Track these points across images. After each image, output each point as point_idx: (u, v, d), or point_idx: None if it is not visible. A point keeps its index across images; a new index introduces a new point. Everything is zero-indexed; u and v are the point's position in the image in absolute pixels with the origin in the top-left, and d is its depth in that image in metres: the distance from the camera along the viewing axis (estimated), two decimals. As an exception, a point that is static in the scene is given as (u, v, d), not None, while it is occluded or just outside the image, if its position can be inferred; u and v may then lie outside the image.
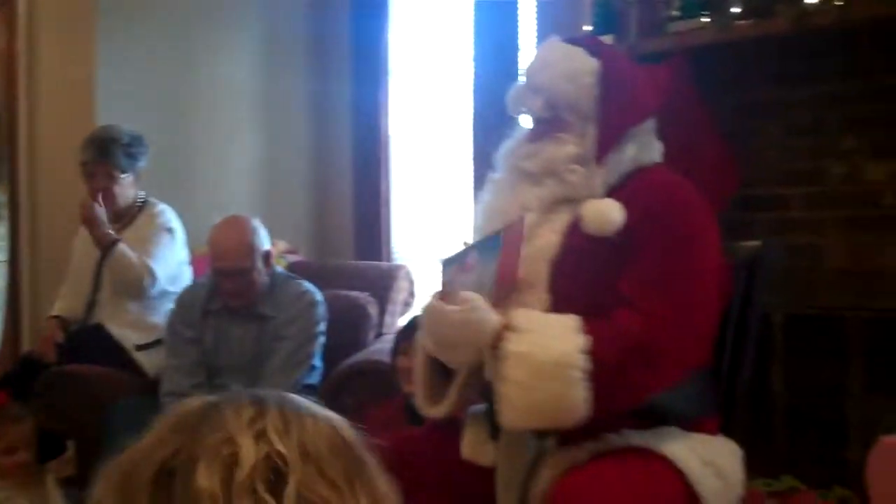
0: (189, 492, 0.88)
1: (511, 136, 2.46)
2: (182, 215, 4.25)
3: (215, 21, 4.94)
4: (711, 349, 2.29)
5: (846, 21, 3.05)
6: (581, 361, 2.00)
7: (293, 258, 4.55)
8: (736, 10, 3.33)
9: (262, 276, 3.63)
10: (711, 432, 2.29)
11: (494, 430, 2.25)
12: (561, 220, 2.27)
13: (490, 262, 2.19)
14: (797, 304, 3.34)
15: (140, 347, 3.95)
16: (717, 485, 2.16)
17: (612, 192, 2.25)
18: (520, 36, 4.36)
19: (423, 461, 2.39)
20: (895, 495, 1.39)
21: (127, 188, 4.11)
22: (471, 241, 2.37)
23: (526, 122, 2.47)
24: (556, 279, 2.22)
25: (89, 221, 3.97)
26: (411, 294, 4.44)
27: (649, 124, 2.37)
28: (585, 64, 2.31)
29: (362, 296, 4.17)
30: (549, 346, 2.02)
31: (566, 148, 2.28)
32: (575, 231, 2.23)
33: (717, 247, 2.25)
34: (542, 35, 4.24)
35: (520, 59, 4.33)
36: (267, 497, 0.88)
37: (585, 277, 2.20)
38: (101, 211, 3.97)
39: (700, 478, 2.13)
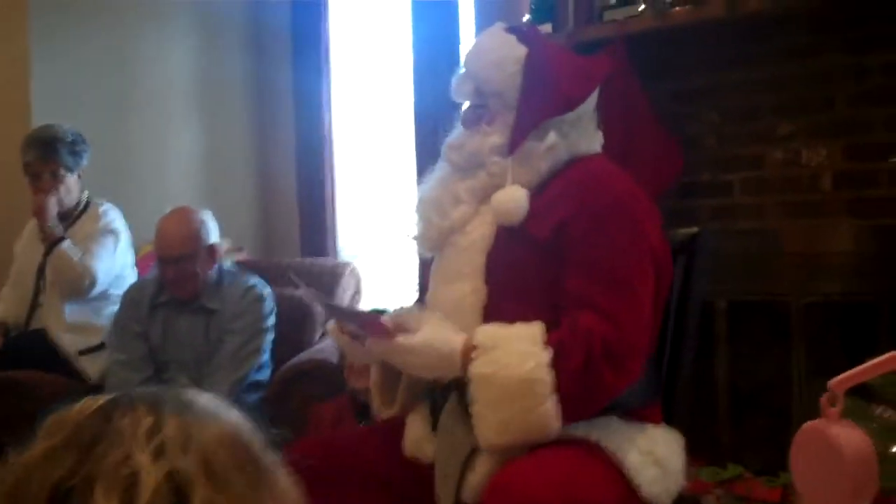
0: None
1: (454, 125, 2.45)
2: (123, 214, 4.19)
3: (150, 13, 4.88)
4: (655, 337, 2.30)
5: (780, 5, 3.06)
6: (547, 376, 2.00)
7: (238, 256, 4.51)
8: (671, -4, 3.34)
9: (205, 267, 3.61)
10: (653, 422, 2.29)
11: (434, 423, 2.27)
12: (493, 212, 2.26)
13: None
14: (739, 290, 3.35)
15: (83, 352, 3.90)
16: (655, 474, 2.16)
17: (546, 182, 2.24)
18: (459, 26, 4.33)
19: (368, 458, 2.36)
20: (817, 479, 1.39)
21: (72, 187, 4.06)
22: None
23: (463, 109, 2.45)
24: (491, 270, 2.22)
25: (40, 213, 3.93)
26: (358, 291, 4.42)
27: (587, 113, 2.35)
28: (514, 52, 2.29)
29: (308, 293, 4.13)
30: (514, 365, 2.02)
31: (490, 139, 2.27)
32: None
33: (660, 236, 2.25)
34: (482, 25, 4.23)
35: (460, 50, 4.30)
36: None
37: (519, 268, 2.20)
38: (52, 203, 3.93)
39: (638, 467, 2.12)
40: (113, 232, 4.06)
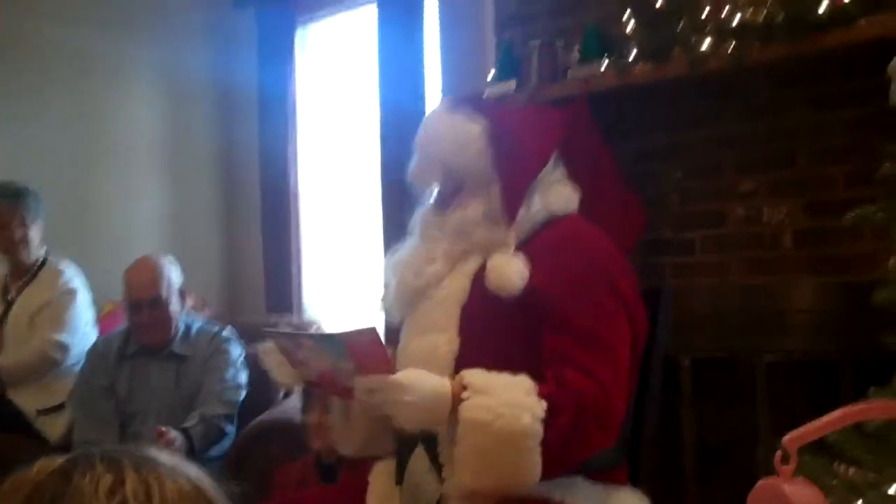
0: None
1: (421, 203, 2.45)
2: (85, 273, 4.18)
3: (116, 71, 4.90)
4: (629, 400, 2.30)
5: (741, 64, 3.09)
6: (539, 431, 1.98)
7: (202, 313, 4.48)
8: (633, 54, 3.37)
9: (177, 310, 3.66)
10: (619, 482, 2.28)
11: (399, 477, 2.26)
12: (470, 266, 2.27)
13: (339, 359, 2.13)
14: (703, 347, 3.36)
15: (42, 412, 3.86)
16: (620, 537, 2.15)
17: (524, 243, 2.25)
18: (426, 86, 4.36)
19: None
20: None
21: (35, 240, 4.07)
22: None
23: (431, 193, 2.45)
24: (465, 323, 2.22)
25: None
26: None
27: (557, 172, 2.37)
28: (471, 129, 2.30)
29: (272, 351, 4.11)
30: (509, 416, 1.98)
31: (470, 212, 2.28)
32: (483, 277, 2.23)
33: (635, 295, 2.25)
34: (448, 84, 4.27)
35: (426, 107, 4.33)
36: None
37: (494, 323, 2.20)
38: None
39: None
40: (71, 292, 4.04)
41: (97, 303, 4.36)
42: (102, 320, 4.40)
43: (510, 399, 2.00)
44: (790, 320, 3.20)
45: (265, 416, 3.79)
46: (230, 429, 3.66)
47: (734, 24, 3.09)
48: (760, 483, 1.43)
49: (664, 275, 3.57)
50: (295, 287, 4.97)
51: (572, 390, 2.03)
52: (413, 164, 2.40)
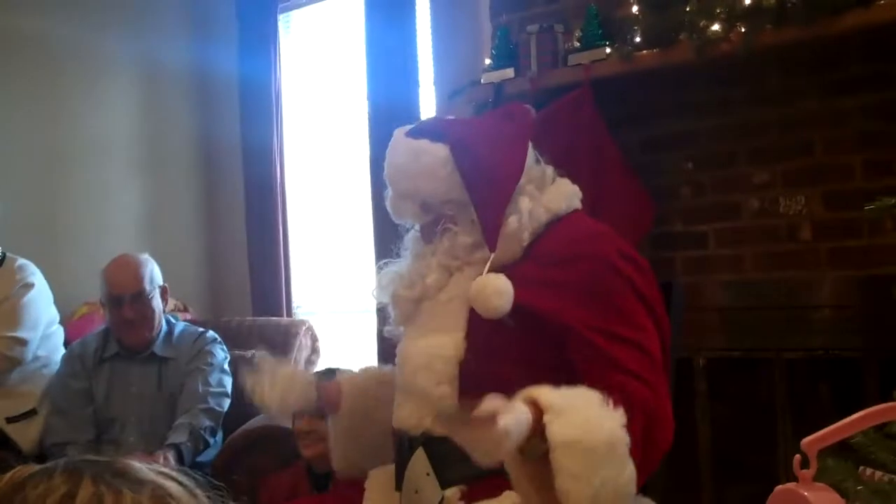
0: None
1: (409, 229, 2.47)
2: (59, 276, 4.18)
3: (89, 61, 4.88)
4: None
5: (752, 49, 3.10)
6: (626, 437, 1.94)
7: (183, 317, 4.50)
8: (638, 39, 3.38)
9: (160, 308, 3.73)
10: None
11: (399, 480, 2.29)
12: (475, 269, 2.28)
13: None
14: (719, 346, 3.38)
15: (12, 420, 3.86)
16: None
17: (528, 249, 2.27)
18: (418, 75, 4.36)
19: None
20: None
21: None
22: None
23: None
24: (474, 325, 2.24)
25: None
26: (314, 351, 4.41)
27: (548, 170, 2.38)
28: (436, 154, 2.30)
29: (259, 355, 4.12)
30: (595, 427, 1.92)
31: (460, 239, 2.30)
32: None
33: (656, 293, 2.26)
34: (440, 74, 4.28)
35: (418, 97, 4.34)
36: None
37: (501, 328, 2.20)
38: None
39: None
40: (27, 286, 4.03)
41: (71, 305, 4.36)
42: (77, 323, 4.40)
43: (591, 411, 1.94)
44: (810, 317, 3.21)
45: (252, 423, 3.80)
46: (217, 437, 3.70)
47: (745, 6, 3.10)
48: (778, 489, 1.44)
49: (675, 270, 3.57)
50: (283, 286, 4.96)
51: (636, 398, 2.02)
52: (388, 200, 2.41)
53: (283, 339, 4.29)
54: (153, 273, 3.74)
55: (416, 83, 4.36)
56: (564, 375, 2.04)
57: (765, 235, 3.42)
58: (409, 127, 2.40)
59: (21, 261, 4.10)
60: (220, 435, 3.73)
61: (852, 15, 2.92)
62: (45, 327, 4.03)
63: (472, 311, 2.24)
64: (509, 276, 2.19)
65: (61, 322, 4.16)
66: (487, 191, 2.27)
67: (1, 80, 4.61)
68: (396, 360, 2.37)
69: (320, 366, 4.18)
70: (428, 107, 4.34)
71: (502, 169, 2.28)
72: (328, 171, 5.04)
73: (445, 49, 4.30)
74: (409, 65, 4.37)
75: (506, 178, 2.28)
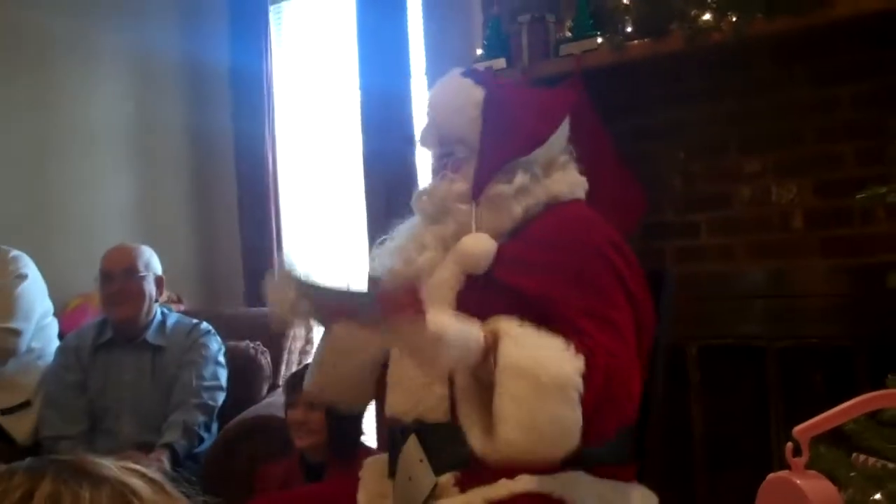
0: None
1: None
2: (51, 268, 4.18)
3: (79, 51, 4.87)
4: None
5: (743, 37, 3.11)
6: (580, 383, 1.95)
7: (176, 308, 4.49)
8: (629, 29, 3.39)
9: (153, 293, 3.77)
10: (625, 479, 2.30)
11: (392, 468, 2.31)
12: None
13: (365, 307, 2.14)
14: (711, 335, 3.39)
15: (6, 412, 3.86)
16: (626, 535, 2.17)
17: (521, 227, 2.28)
18: (410, 64, 4.36)
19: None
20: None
21: None
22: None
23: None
24: (459, 311, 2.23)
25: None
26: (308, 342, 4.41)
27: (559, 154, 2.40)
28: (473, 96, 2.35)
29: (254, 346, 4.13)
30: (552, 364, 1.95)
31: (455, 186, 2.32)
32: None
33: (642, 285, 2.27)
34: (432, 63, 4.27)
35: (410, 88, 4.34)
36: None
37: (487, 311, 2.21)
38: None
39: None
40: (21, 276, 4.04)
41: (64, 297, 4.36)
42: (70, 315, 4.41)
43: (549, 349, 1.97)
44: (801, 305, 3.22)
45: (247, 414, 3.80)
46: (212, 430, 3.71)
47: (736, -5, 3.11)
48: (771, 477, 1.44)
49: (667, 260, 3.59)
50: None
51: (600, 354, 2.03)
52: (422, 127, 2.48)
53: (276, 330, 4.29)
54: (150, 260, 3.79)
55: (407, 73, 4.36)
56: None
57: (756, 225, 3.43)
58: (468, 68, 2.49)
59: (15, 252, 4.10)
60: (214, 426, 3.74)
61: (843, 3, 2.93)
62: (39, 318, 4.03)
63: (457, 297, 2.26)
64: (498, 253, 2.23)
65: (55, 314, 4.16)
66: (495, 144, 2.30)
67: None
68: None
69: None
70: (420, 96, 4.33)
71: (519, 134, 2.32)
72: (321, 162, 5.04)
73: (437, 39, 4.30)
74: (401, 55, 4.37)
75: (517, 143, 2.32)
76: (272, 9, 5.07)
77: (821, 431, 1.43)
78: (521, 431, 1.92)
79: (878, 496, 1.74)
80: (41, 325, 4.05)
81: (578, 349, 2.00)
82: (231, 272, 5.09)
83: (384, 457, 2.42)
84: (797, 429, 1.43)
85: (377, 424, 3.46)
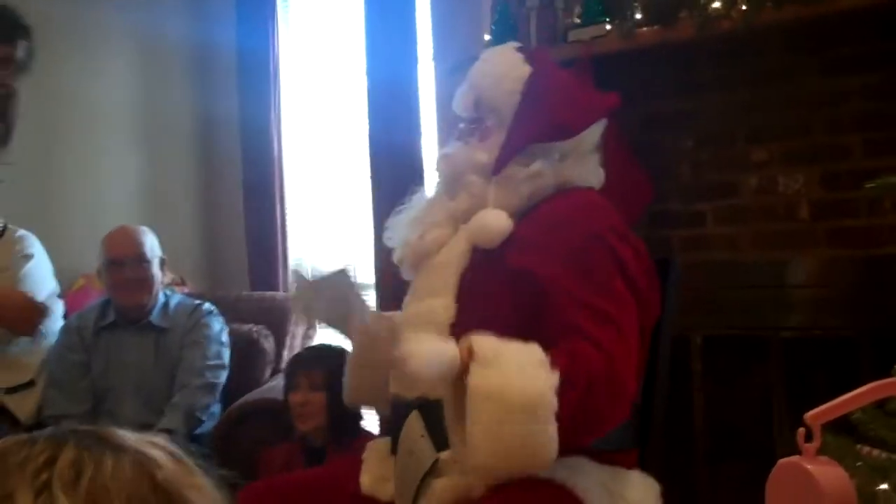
0: None
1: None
2: (56, 249, 4.17)
3: (85, 34, 4.85)
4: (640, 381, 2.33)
5: (753, 26, 3.09)
6: (553, 400, 1.97)
7: (179, 290, 4.49)
8: (638, 16, 3.37)
9: (159, 277, 3.79)
10: (627, 466, 2.30)
11: (395, 446, 2.31)
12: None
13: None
14: (715, 324, 3.38)
15: (10, 391, 3.86)
16: (626, 520, 2.17)
17: (530, 209, 2.29)
18: (417, 47, 4.35)
19: (323, 497, 2.41)
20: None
21: None
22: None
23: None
24: (462, 289, 2.28)
25: None
26: (312, 326, 4.41)
27: (586, 145, 2.41)
28: (518, 70, 2.38)
29: (256, 329, 4.13)
30: (520, 385, 1.97)
31: (477, 155, 2.34)
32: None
33: (644, 273, 2.27)
34: (439, 46, 4.26)
35: (417, 71, 4.32)
36: None
37: (490, 290, 2.24)
38: None
39: None
40: (27, 256, 4.04)
41: (68, 278, 4.35)
42: (74, 295, 4.40)
43: (520, 365, 1.99)
44: (806, 295, 3.22)
45: (249, 397, 3.81)
46: (215, 409, 3.74)
47: (746, -17, 3.10)
48: (781, 462, 1.43)
49: (672, 248, 3.58)
50: (280, 260, 4.94)
51: (583, 363, 2.04)
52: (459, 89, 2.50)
53: (280, 314, 4.30)
54: (153, 243, 3.80)
55: (415, 58, 4.35)
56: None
57: (763, 214, 3.42)
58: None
59: (21, 231, 4.10)
60: (218, 407, 3.74)
61: (854, -8, 2.92)
62: (45, 298, 4.03)
63: (461, 277, 2.29)
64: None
65: (60, 295, 4.16)
66: (525, 124, 2.31)
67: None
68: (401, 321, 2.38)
69: (317, 341, 4.19)
70: (427, 82, 4.32)
71: (551, 121, 2.32)
72: (326, 146, 5.03)
73: (445, 24, 4.28)
74: (409, 39, 4.36)
75: (546, 129, 2.33)
76: (280, -11, 5.06)
77: (833, 417, 1.43)
78: (492, 457, 1.98)
79: (884, 486, 1.73)
80: (46, 304, 4.05)
81: (562, 360, 2.02)
82: (235, 255, 5.08)
83: (387, 440, 2.44)
84: (810, 414, 1.42)
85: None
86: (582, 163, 2.39)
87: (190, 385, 3.64)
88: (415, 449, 2.22)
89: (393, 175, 4.26)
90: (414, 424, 2.24)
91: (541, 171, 2.30)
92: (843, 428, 1.81)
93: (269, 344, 4.10)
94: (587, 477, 2.18)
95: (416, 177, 4.11)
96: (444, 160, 2.44)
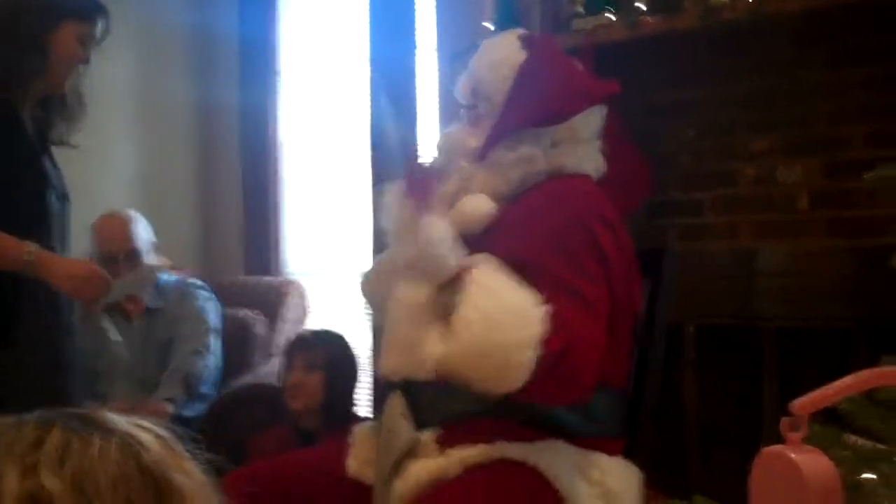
0: None
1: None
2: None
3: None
4: (626, 369, 2.34)
5: (757, 16, 3.09)
6: (540, 331, 2.00)
7: (176, 275, 4.49)
8: (642, 5, 3.36)
9: (153, 262, 3.85)
10: (610, 453, 2.30)
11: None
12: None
13: None
14: (709, 314, 3.38)
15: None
16: (600, 506, 2.18)
17: (520, 194, 2.29)
18: (418, 36, 4.34)
19: (310, 480, 2.43)
20: (775, 504, 1.40)
21: None
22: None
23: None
24: None
25: None
26: (304, 311, 4.41)
27: (585, 131, 2.41)
28: (513, 56, 2.38)
29: (250, 314, 4.14)
30: (515, 297, 2.03)
31: (468, 140, 2.34)
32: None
33: (625, 264, 2.27)
34: (442, 34, 4.25)
35: (418, 60, 4.32)
36: None
37: None
38: None
39: (582, 497, 2.14)
40: None
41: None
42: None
43: (518, 291, 2.05)
44: (803, 285, 3.21)
45: (241, 381, 3.82)
46: (207, 390, 3.71)
47: (751, -28, 3.09)
48: (765, 451, 1.42)
49: (670, 237, 3.57)
50: (275, 246, 4.95)
51: (561, 323, 2.04)
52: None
53: (274, 299, 4.31)
54: (144, 231, 3.84)
55: (415, 44, 4.34)
56: None
57: (761, 204, 3.42)
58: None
59: None
60: (210, 388, 3.74)
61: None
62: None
63: None
64: (496, 217, 2.28)
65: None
66: (514, 110, 2.32)
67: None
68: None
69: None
70: (429, 69, 4.31)
71: (541, 106, 2.33)
72: (325, 134, 5.02)
73: (447, 12, 4.27)
74: (411, 27, 4.35)
75: (536, 114, 2.33)
76: (282, -24, 5.06)
77: (820, 407, 1.42)
78: (475, 339, 2.00)
79: (870, 475, 1.73)
80: None
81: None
82: (232, 242, 5.09)
83: (376, 424, 2.44)
84: (797, 402, 1.41)
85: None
86: (576, 150, 2.38)
87: (184, 351, 3.68)
88: (394, 427, 2.24)
89: (392, 162, 4.24)
90: (396, 403, 2.25)
91: (531, 156, 2.30)
92: (830, 417, 1.82)
93: (262, 328, 4.10)
94: (560, 460, 2.18)
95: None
96: (442, 139, 2.48)
